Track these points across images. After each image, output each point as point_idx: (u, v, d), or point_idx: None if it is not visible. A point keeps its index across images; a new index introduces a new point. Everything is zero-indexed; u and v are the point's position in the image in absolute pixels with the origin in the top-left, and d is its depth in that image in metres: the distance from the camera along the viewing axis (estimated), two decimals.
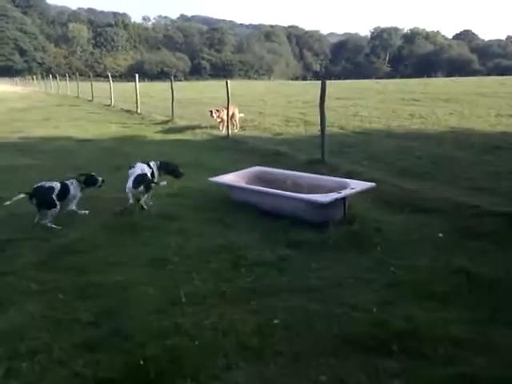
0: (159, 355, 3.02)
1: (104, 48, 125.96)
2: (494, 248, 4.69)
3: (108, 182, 6.33)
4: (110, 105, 23.71)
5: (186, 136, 13.15)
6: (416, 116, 14.85)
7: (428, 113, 15.46)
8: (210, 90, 38.05)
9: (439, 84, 36.53)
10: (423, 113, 15.46)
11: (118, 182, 6.47)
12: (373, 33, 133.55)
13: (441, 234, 5.05)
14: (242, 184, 6.20)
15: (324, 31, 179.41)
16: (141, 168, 6.13)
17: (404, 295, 3.80)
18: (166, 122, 15.79)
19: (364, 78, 58.41)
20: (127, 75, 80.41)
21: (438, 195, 6.35)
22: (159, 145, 11.75)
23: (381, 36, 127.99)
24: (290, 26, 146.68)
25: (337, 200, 5.20)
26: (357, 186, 5.48)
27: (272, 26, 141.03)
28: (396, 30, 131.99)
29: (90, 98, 28.44)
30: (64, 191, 5.66)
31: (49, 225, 5.47)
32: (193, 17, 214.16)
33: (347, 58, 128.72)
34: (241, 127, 13.83)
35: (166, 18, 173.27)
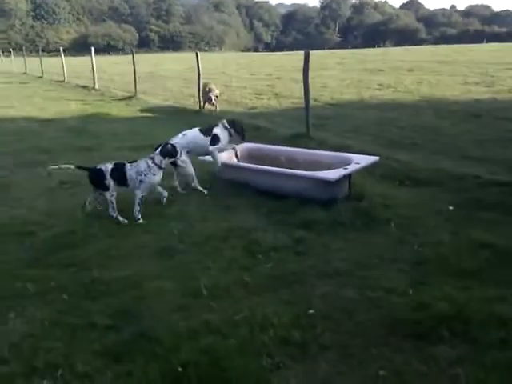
0: (196, 359, 2.72)
1: (45, 21, 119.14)
2: (506, 220, 4.61)
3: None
4: (63, 81, 22.41)
5: (155, 113, 12.54)
6: (385, 86, 14.79)
7: (396, 82, 15.44)
8: (163, 62, 36.82)
9: (395, 53, 36.79)
10: (391, 82, 15.44)
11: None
12: (322, 3, 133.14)
13: (451, 207, 4.94)
14: (237, 162, 5.85)
15: (272, 2, 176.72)
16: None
17: (434, 274, 3.65)
18: (130, 97, 15.03)
19: (316, 49, 58.20)
20: (71, 49, 76.39)
21: (433, 166, 6.26)
22: (129, 122, 11.12)
23: (330, 6, 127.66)
24: None
25: (344, 176, 4.96)
26: (361, 160, 5.27)
27: None
28: (344, 0, 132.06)
29: (40, 75, 26.81)
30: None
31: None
32: None
33: (298, 29, 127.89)
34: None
35: None
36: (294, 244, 4.24)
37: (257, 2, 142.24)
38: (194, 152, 5.68)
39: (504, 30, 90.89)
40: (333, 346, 2.86)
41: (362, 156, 5.48)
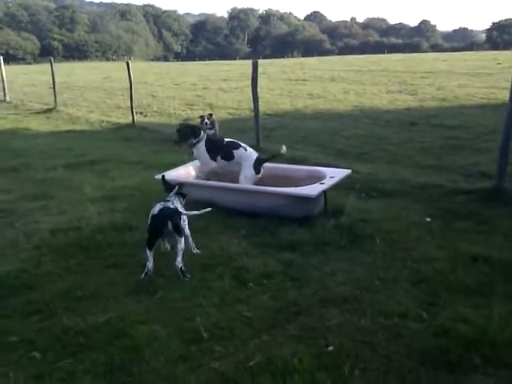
0: None
1: None
2: (486, 229, 4.63)
3: (10, 187, 5.14)
4: None
5: (82, 126, 11.63)
6: (315, 95, 14.99)
7: (324, 92, 15.71)
8: (74, 72, 34.92)
9: (311, 64, 37.85)
10: (319, 92, 15.68)
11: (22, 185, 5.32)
12: (230, 13, 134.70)
13: (428, 219, 4.89)
14: (201, 180, 5.43)
15: (180, 11, 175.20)
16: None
17: (439, 293, 3.50)
18: (49, 110, 13.86)
19: (227, 59, 58.55)
20: None
21: (394, 177, 6.26)
22: (54, 137, 10.18)
23: (238, 17, 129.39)
24: (145, 5, 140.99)
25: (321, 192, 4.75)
26: (335, 174, 5.08)
27: (126, 5, 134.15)
28: (252, 10, 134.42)
29: None
30: None
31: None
32: None
33: (207, 39, 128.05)
34: (140, 113, 12.62)
35: None
36: (285, 269, 3.92)
37: (165, 11, 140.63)
38: None
39: (400, 41, 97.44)
40: None
41: (334, 169, 5.31)
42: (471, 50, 59.19)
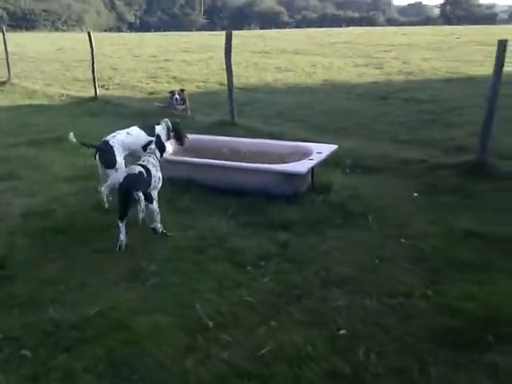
0: None
1: None
2: (472, 203, 4.64)
3: None
4: None
5: (40, 100, 10.95)
6: (283, 69, 14.70)
7: (291, 65, 15.44)
8: (23, 42, 32.91)
9: (271, 36, 37.22)
10: (287, 65, 15.39)
11: None
12: None
13: (416, 194, 4.87)
14: (182, 157, 5.16)
15: None
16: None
17: (441, 270, 3.48)
18: (2, 83, 12.97)
19: (183, 30, 56.75)
20: None
21: (375, 152, 6.19)
22: (13, 112, 9.52)
23: None
24: None
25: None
26: (322, 149, 4.94)
27: None
28: None
29: None
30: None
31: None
32: None
33: (162, 9, 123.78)
34: (101, 86, 11.99)
35: None
36: (280, 250, 3.78)
37: None
38: (136, 154, 4.75)
39: (357, 15, 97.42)
40: (388, 373, 2.51)
41: (320, 145, 5.16)
42: (426, 24, 59.82)
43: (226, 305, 3.06)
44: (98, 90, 10.54)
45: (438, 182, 5.17)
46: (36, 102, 10.69)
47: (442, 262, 3.57)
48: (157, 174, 4.06)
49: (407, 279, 3.36)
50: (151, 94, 11.29)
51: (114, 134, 4.72)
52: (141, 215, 3.82)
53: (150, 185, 3.95)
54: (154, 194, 4.02)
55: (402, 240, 3.92)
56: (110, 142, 4.53)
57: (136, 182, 3.77)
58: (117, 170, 4.39)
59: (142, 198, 3.76)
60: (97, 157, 4.51)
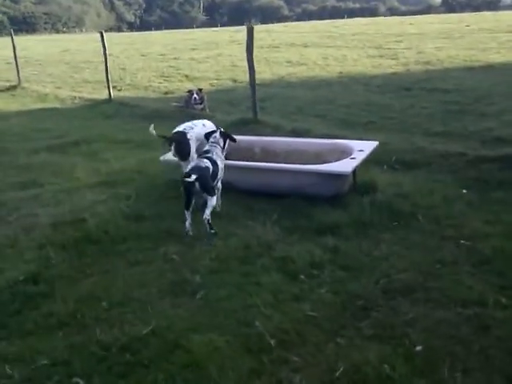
0: None
1: None
2: None
3: None
4: None
5: (52, 103, 10.74)
6: (295, 63, 14.43)
7: (302, 58, 15.16)
8: (27, 46, 32.84)
9: (277, 30, 36.82)
10: (298, 59, 15.12)
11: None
12: None
13: (464, 191, 4.60)
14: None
15: None
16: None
17: (507, 274, 3.22)
18: (13, 87, 12.79)
19: (184, 28, 56.45)
20: None
21: (410, 146, 5.92)
22: (26, 117, 9.32)
23: None
24: None
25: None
26: (363, 147, 4.68)
27: None
28: None
29: None
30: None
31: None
32: None
33: (161, 8, 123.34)
34: (114, 87, 11.75)
35: None
36: (332, 256, 3.54)
37: None
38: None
39: (357, 5, 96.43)
40: None
41: (359, 142, 4.91)
42: (429, 13, 59.03)
43: (287, 321, 2.82)
44: (111, 91, 10.31)
45: (484, 177, 4.90)
46: (48, 105, 10.49)
47: (507, 265, 3.31)
48: (222, 166, 4.16)
49: (475, 285, 3.10)
50: (166, 93, 11.05)
51: (189, 124, 4.65)
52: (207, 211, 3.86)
53: (216, 177, 4.04)
54: (218, 184, 4.17)
55: (462, 241, 3.67)
56: (188, 136, 4.50)
57: (204, 177, 3.83)
58: (189, 162, 4.31)
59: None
60: (172, 147, 4.49)
